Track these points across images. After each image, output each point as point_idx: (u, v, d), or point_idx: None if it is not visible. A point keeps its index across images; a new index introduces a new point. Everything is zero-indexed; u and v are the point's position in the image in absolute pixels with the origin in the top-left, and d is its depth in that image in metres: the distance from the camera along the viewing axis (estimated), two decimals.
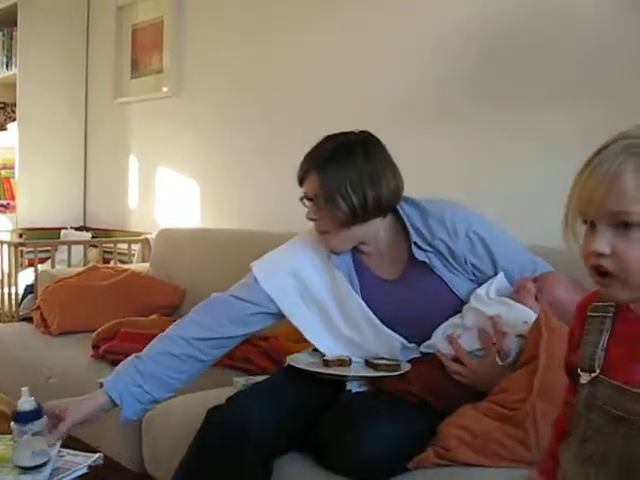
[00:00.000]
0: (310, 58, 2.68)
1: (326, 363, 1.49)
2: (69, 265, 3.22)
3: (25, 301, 3.12)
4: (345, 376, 1.47)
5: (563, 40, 1.92)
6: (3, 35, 3.97)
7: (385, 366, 1.45)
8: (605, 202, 0.76)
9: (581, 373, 0.86)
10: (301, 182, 1.52)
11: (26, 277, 3.23)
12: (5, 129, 4.08)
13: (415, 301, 1.50)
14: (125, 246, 3.42)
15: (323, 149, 1.49)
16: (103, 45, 3.83)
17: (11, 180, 3.99)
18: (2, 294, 3.23)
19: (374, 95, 2.42)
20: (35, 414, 1.25)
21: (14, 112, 3.97)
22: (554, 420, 1.00)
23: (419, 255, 1.49)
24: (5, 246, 3.25)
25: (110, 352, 2.11)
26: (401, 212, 1.53)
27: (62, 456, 1.33)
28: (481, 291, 1.46)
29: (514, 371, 1.31)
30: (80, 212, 4.06)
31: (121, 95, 3.68)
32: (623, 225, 0.76)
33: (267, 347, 2.04)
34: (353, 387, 1.47)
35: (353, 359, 1.52)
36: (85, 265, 3.14)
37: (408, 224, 1.51)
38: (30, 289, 3.11)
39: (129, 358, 1.49)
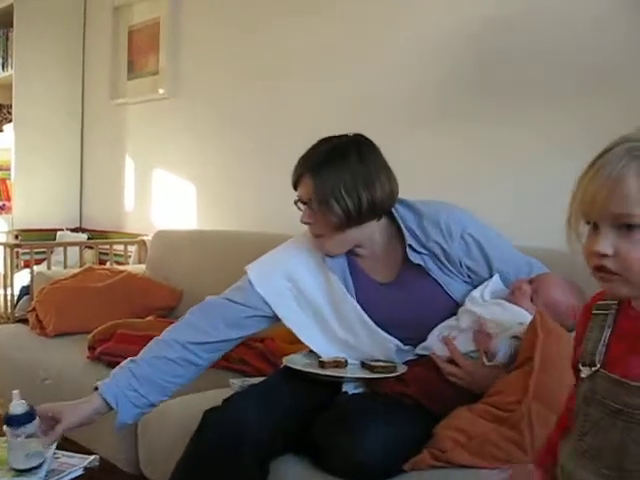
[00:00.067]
0: (309, 59, 2.67)
1: (322, 364, 1.49)
2: (65, 266, 3.21)
3: (21, 302, 3.11)
4: (341, 377, 1.47)
5: (563, 40, 1.92)
6: None
7: (381, 368, 1.45)
8: (608, 204, 0.77)
9: (582, 368, 0.87)
10: (295, 185, 1.52)
11: (22, 278, 3.22)
12: (1, 130, 4.07)
13: (410, 304, 1.50)
14: (121, 247, 3.42)
15: (317, 152, 1.49)
16: (99, 46, 3.83)
17: (7, 181, 3.98)
18: None
19: (374, 95, 2.42)
20: (27, 417, 1.24)
21: (10, 113, 3.96)
22: (558, 416, 1.01)
23: (414, 258, 1.49)
24: (1, 247, 3.25)
25: (106, 354, 2.10)
26: (396, 214, 1.53)
27: (57, 458, 1.33)
28: (476, 293, 1.46)
29: (509, 373, 1.31)
30: (76, 213, 4.05)
31: (118, 96, 3.68)
32: (625, 227, 0.77)
33: (263, 348, 2.04)
34: (349, 389, 1.47)
35: (349, 361, 1.52)
36: (81, 267, 3.13)
37: (403, 226, 1.51)
38: (26, 290, 3.11)
39: (125, 362, 1.48)
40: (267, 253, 1.64)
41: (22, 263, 3.44)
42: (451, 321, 1.47)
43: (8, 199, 3.98)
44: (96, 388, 1.43)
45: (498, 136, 2.09)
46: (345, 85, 2.53)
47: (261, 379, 1.61)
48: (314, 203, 1.47)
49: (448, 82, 2.21)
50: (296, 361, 1.54)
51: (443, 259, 1.49)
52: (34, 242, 3.38)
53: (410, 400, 1.37)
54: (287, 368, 1.51)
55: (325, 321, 1.55)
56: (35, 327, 2.59)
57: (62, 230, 3.82)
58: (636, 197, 0.76)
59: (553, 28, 1.95)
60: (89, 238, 3.79)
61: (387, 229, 1.54)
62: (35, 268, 3.09)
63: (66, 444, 1.41)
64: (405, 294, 1.51)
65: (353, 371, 1.49)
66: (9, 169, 3.89)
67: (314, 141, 1.53)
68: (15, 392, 1.27)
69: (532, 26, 1.99)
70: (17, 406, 1.24)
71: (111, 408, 1.43)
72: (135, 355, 1.50)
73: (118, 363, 1.51)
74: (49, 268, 3.18)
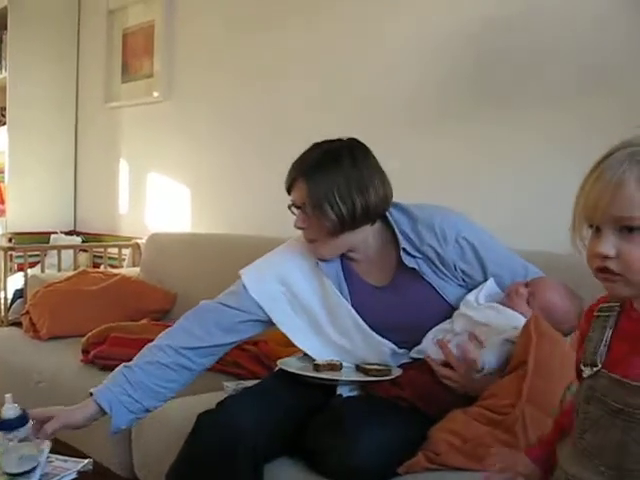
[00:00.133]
0: (307, 60, 2.68)
1: (317, 367, 1.49)
2: (59, 270, 3.21)
3: (14, 306, 3.10)
4: (336, 380, 1.47)
5: (563, 40, 1.93)
6: None
7: (376, 371, 1.45)
8: (610, 208, 0.79)
9: (583, 368, 0.88)
10: (289, 190, 1.52)
11: (15, 282, 3.21)
12: None
13: (405, 307, 1.50)
14: (115, 251, 3.41)
15: (310, 156, 1.49)
16: (94, 49, 3.82)
17: (1, 184, 3.98)
18: None
19: (374, 95, 2.43)
20: (20, 421, 1.23)
21: (4, 116, 3.95)
22: (554, 418, 1.01)
23: (408, 261, 1.49)
24: None
25: (100, 357, 2.10)
26: (390, 218, 1.52)
27: (51, 462, 1.32)
28: (471, 297, 1.46)
29: (503, 376, 1.31)
30: (70, 216, 4.04)
31: (112, 99, 3.68)
32: (627, 229, 0.79)
33: (257, 351, 2.04)
34: (344, 392, 1.47)
35: (344, 364, 1.52)
36: (75, 270, 3.13)
37: (397, 230, 1.51)
38: (19, 294, 3.10)
39: (119, 367, 1.48)
40: (261, 257, 1.63)
41: (16, 266, 3.43)
42: (445, 325, 1.47)
43: (2, 202, 3.97)
44: (92, 394, 1.43)
45: (498, 136, 2.09)
46: (345, 85, 2.53)
47: (255, 382, 1.61)
48: (308, 208, 1.47)
49: (448, 82, 2.21)
50: (290, 364, 1.53)
51: (437, 263, 1.49)
52: (28, 245, 3.37)
53: (405, 403, 1.37)
54: (281, 371, 1.51)
55: (319, 325, 1.55)
56: (29, 330, 2.58)
57: (56, 233, 3.81)
58: (638, 201, 0.78)
59: (553, 28, 1.95)
60: (83, 241, 3.78)
61: (381, 233, 1.54)
62: (29, 271, 3.09)
63: (59, 447, 1.40)
64: (400, 298, 1.51)
65: (348, 374, 1.49)
66: (3, 172, 3.89)
67: (310, 144, 1.52)
68: (8, 396, 1.26)
69: (532, 26, 2.00)
70: (9, 410, 1.23)
71: (105, 413, 1.42)
72: (129, 358, 1.49)
73: (112, 366, 1.51)
74: (43, 271, 3.18)
